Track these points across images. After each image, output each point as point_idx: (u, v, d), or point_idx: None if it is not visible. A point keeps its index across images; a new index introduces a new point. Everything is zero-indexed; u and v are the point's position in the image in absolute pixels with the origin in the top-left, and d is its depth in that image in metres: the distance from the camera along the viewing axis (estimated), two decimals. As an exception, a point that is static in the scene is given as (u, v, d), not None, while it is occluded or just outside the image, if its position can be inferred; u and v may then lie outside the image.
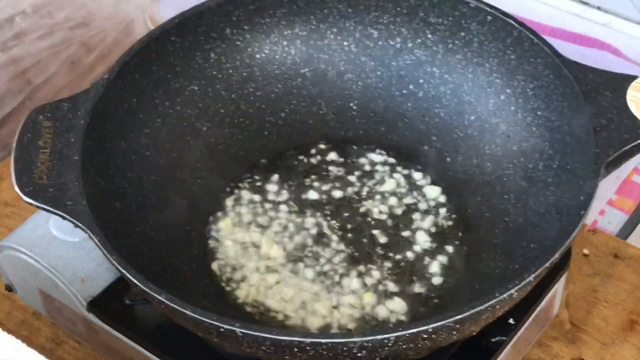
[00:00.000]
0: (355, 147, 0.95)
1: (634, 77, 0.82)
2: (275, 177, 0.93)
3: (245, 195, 0.92)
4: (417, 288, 0.84)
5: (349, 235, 0.88)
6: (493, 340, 0.82)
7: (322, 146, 0.95)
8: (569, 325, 0.92)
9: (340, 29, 0.96)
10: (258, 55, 0.96)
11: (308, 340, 0.67)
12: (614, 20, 1.35)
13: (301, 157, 0.95)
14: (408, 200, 0.91)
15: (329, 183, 0.93)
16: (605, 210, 1.22)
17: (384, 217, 0.90)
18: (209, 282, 0.85)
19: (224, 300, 0.84)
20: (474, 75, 0.92)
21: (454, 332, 0.71)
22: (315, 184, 0.93)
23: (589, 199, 0.75)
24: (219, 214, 0.90)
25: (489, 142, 0.91)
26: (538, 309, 0.86)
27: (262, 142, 0.95)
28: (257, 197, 0.92)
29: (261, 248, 0.87)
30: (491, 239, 0.86)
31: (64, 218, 0.75)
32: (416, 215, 0.90)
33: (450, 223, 0.89)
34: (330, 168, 0.94)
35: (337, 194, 0.92)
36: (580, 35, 1.34)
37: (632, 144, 0.78)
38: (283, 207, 0.91)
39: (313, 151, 0.95)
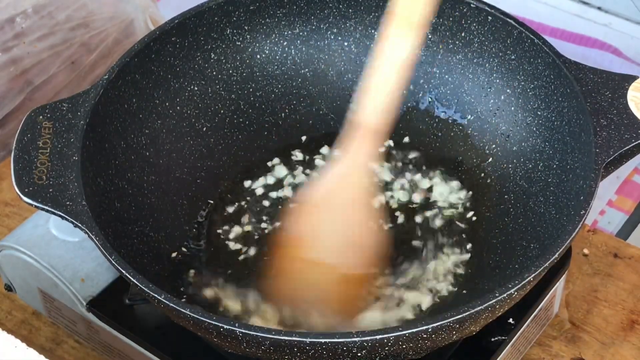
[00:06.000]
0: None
1: (634, 77, 0.83)
2: (275, 177, 0.93)
3: (245, 194, 0.92)
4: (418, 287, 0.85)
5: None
6: (493, 339, 0.82)
7: (322, 146, 0.95)
8: (569, 325, 0.92)
9: (341, 29, 0.96)
10: (258, 56, 0.96)
11: (308, 340, 0.67)
12: (614, 20, 1.35)
13: (301, 157, 0.95)
14: (409, 199, 0.91)
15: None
16: (605, 210, 1.22)
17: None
18: (208, 282, 0.85)
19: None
20: (474, 76, 0.92)
21: (454, 332, 0.71)
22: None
23: (589, 199, 0.75)
24: (219, 214, 0.90)
25: (489, 142, 0.91)
26: (538, 308, 0.86)
27: (262, 142, 0.95)
28: (257, 197, 0.92)
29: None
30: (491, 239, 0.86)
31: (63, 218, 0.75)
32: (417, 217, 0.90)
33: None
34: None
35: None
36: (581, 36, 1.34)
37: (632, 144, 0.78)
38: (283, 207, 0.91)
39: (313, 151, 0.95)
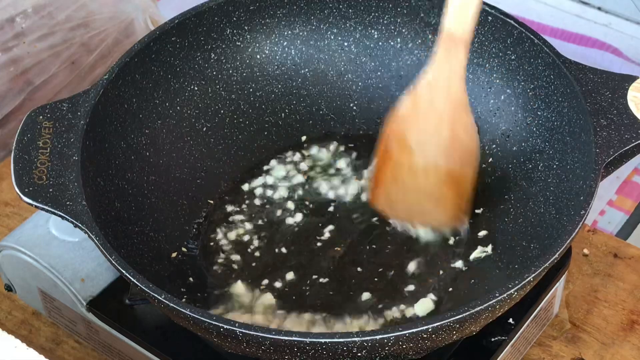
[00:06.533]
0: (355, 147, 0.95)
1: (634, 78, 0.83)
2: (275, 177, 0.93)
3: (245, 194, 0.92)
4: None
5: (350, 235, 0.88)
6: (493, 339, 0.82)
7: (322, 146, 0.95)
8: (569, 325, 0.92)
9: (341, 29, 0.96)
10: (258, 56, 0.96)
11: (308, 340, 0.67)
12: (614, 20, 1.35)
13: (301, 157, 0.95)
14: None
15: (329, 183, 0.93)
16: (605, 210, 1.22)
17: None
18: (209, 282, 0.85)
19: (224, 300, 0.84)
20: (474, 76, 0.92)
21: (454, 332, 0.71)
22: (315, 184, 0.93)
23: (589, 199, 0.75)
24: (219, 214, 0.90)
25: (489, 142, 0.91)
26: (538, 308, 0.86)
27: (262, 142, 0.95)
28: (257, 197, 0.92)
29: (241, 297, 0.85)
30: (491, 239, 0.86)
31: (63, 218, 0.75)
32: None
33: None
34: (331, 169, 0.94)
35: (338, 193, 0.92)
36: (581, 36, 1.34)
37: (632, 144, 0.78)
38: (283, 207, 0.91)
39: (313, 151, 0.95)
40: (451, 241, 0.87)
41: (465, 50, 0.81)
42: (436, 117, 0.83)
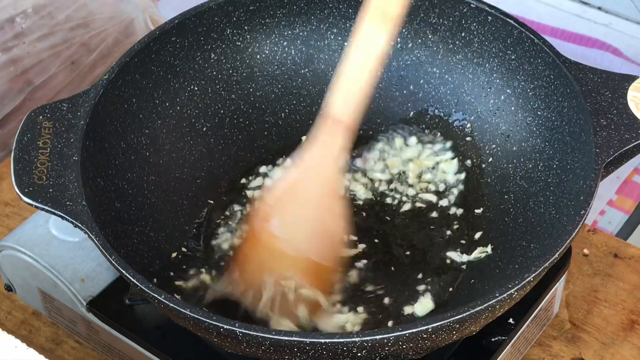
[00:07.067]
0: (355, 148, 0.95)
1: (634, 77, 0.83)
2: (275, 177, 0.93)
3: (245, 195, 0.92)
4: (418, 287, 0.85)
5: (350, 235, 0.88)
6: (493, 339, 0.82)
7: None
8: (569, 325, 0.92)
9: (340, 29, 0.96)
10: (258, 56, 0.96)
11: (308, 340, 0.67)
12: (614, 20, 1.35)
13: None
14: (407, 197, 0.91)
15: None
16: (605, 210, 1.22)
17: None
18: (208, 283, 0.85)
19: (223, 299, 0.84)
20: (474, 76, 0.92)
21: (454, 332, 0.71)
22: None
23: (589, 199, 0.75)
24: (219, 214, 0.90)
25: (489, 142, 0.91)
26: (538, 308, 0.86)
27: (262, 142, 0.95)
28: (256, 197, 0.92)
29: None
30: (491, 239, 0.86)
31: (63, 218, 0.75)
32: (420, 216, 0.90)
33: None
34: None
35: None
36: (581, 36, 1.34)
37: (632, 144, 0.78)
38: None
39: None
40: (450, 241, 0.87)
41: (346, 136, 0.79)
42: (306, 204, 0.81)
